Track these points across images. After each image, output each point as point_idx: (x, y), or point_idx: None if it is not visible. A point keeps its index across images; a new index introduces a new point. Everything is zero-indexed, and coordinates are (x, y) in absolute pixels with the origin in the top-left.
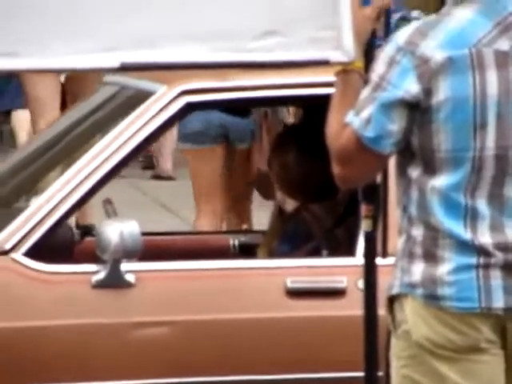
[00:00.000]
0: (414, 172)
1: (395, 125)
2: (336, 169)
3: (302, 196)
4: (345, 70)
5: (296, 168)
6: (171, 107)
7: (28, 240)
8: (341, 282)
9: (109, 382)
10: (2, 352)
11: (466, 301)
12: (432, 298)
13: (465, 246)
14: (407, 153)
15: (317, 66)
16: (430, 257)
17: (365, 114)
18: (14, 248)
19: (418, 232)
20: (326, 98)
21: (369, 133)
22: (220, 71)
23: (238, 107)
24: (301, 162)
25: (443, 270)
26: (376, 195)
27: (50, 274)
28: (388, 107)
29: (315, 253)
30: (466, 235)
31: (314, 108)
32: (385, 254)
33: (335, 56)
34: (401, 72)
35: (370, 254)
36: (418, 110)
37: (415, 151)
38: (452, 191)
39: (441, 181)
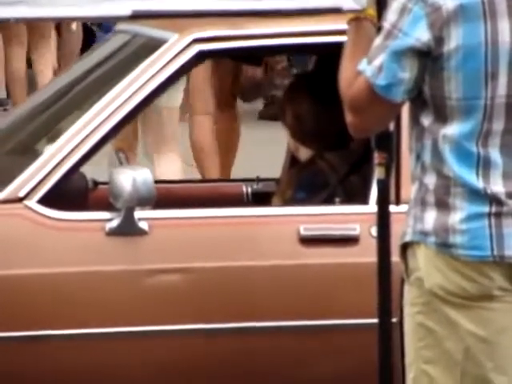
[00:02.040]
0: (427, 120)
1: (407, 73)
2: (349, 117)
3: (317, 144)
4: (357, 18)
5: (310, 117)
6: (183, 55)
7: (42, 187)
8: (354, 229)
9: (122, 329)
10: (15, 298)
11: (478, 249)
12: (444, 246)
13: (477, 195)
14: (419, 101)
15: (329, 14)
16: (443, 205)
17: (377, 62)
18: (27, 195)
19: (430, 180)
20: (338, 46)
21: (380, 81)
22: (232, 19)
23: (251, 55)
24: (314, 110)
25: (455, 218)
26: (389, 143)
27: (63, 222)
28: (400, 55)
29: (330, 201)
30: (479, 184)
31: (327, 56)
32: (398, 202)
33: (348, 4)
34: (412, 20)
35: (383, 202)
36: (429, 58)
37: (427, 99)
38: (464, 140)
39: (452, 129)
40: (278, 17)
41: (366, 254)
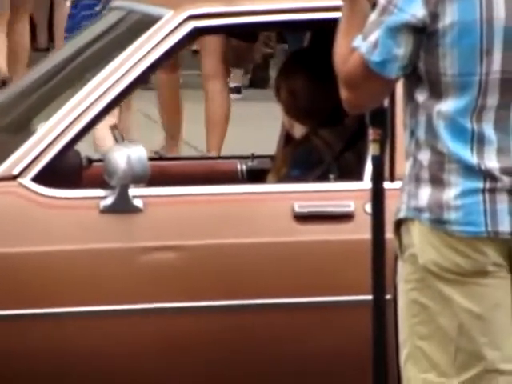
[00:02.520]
0: (421, 96)
1: (402, 49)
2: (343, 93)
3: (311, 121)
4: None
5: (304, 93)
6: (178, 32)
7: (36, 165)
8: (348, 206)
9: (116, 307)
10: (9, 277)
11: (472, 225)
12: (438, 223)
13: (471, 171)
14: (414, 77)
15: None
16: (437, 181)
17: (372, 38)
18: (21, 173)
19: (424, 156)
20: (333, 23)
21: (375, 57)
22: None
23: (246, 32)
24: (309, 86)
25: (450, 194)
26: (383, 119)
27: (57, 199)
28: (395, 31)
29: (324, 177)
30: (473, 160)
31: (322, 33)
32: (392, 178)
33: None
34: None
35: (377, 178)
36: (424, 35)
37: (422, 75)
38: (458, 116)
39: (447, 105)
40: None
41: (360, 231)
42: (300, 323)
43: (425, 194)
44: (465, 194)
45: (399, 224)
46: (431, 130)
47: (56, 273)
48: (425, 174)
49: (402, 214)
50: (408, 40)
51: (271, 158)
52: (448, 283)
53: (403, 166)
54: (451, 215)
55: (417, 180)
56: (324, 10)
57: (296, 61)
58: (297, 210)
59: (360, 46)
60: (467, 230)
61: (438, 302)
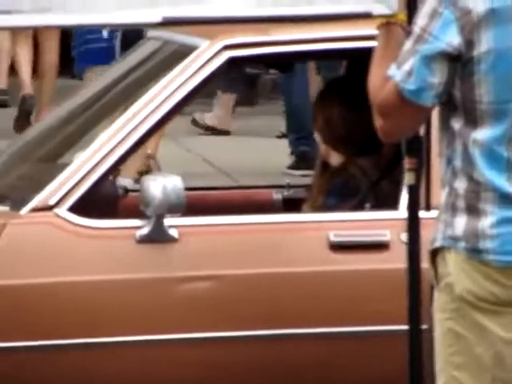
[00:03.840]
0: (457, 124)
1: (437, 77)
2: (378, 122)
3: (348, 149)
4: (387, 23)
5: (341, 122)
6: (214, 62)
7: (72, 195)
8: (384, 235)
9: (152, 337)
10: (46, 307)
11: (508, 254)
12: (474, 252)
13: (507, 199)
14: (450, 105)
15: (359, 19)
16: (473, 210)
17: (406, 66)
18: (58, 203)
19: (460, 185)
20: (368, 52)
21: (410, 85)
22: (262, 25)
23: (281, 62)
24: (345, 115)
25: (486, 223)
26: (419, 148)
27: (93, 230)
28: (430, 59)
29: (360, 206)
30: (509, 188)
31: (357, 62)
32: (428, 207)
33: (378, 8)
34: (443, 24)
35: (413, 207)
36: (459, 62)
37: (458, 104)
38: (494, 144)
39: (483, 133)
40: (308, 22)
41: (396, 260)
42: (335, 352)
43: (460, 222)
44: (501, 222)
45: (435, 253)
46: (467, 158)
47: (92, 303)
48: (461, 203)
49: (437, 244)
50: (443, 68)
51: (306, 187)
52: (484, 313)
53: (439, 195)
54: (487, 244)
55: (453, 209)
56: (359, 39)
57: (331, 90)
58: (332, 239)
59: (395, 74)
60: (503, 260)
61: (473, 331)
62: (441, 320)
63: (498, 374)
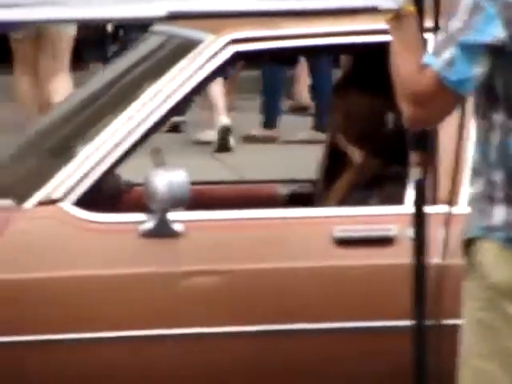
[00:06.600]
0: (497, 116)
1: (479, 69)
2: (410, 109)
3: (369, 144)
4: (398, 16)
5: (362, 115)
6: (219, 56)
7: (76, 189)
8: (389, 230)
9: (156, 331)
10: (50, 301)
11: None
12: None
13: None
14: (490, 97)
15: (366, 13)
16: (511, 201)
17: (446, 55)
18: (62, 197)
19: (498, 176)
20: (375, 46)
21: (452, 75)
22: (269, 19)
23: (287, 56)
24: (363, 110)
25: None
26: (426, 143)
27: (98, 224)
28: (472, 51)
29: (365, 201)
30: None
31: (364, 56)
32: (434, 202)
33: (384, 3)
34: (486, 17)
35: (419, 202)
36: (501, 55)
37: (499, 96)
38: None
39: None
40: (315, 17)
41: (401, 255)
42: (339, 347)
43: (498, 213)
44: None
45: (468, 243)
46: (505, 149)
47: (97, 297)
48: (498, 194)
49: (472, 233)
50: (485, 60)
51: (311, 182)
52: None
53: (445, 190)
54: None
55: (489, 199)
56: (366, 34)
57: (349, 83)
58: (337, 234)
59: (433, 63)
60: None
61: (504, 322)
62: (471, 309)
63: None
